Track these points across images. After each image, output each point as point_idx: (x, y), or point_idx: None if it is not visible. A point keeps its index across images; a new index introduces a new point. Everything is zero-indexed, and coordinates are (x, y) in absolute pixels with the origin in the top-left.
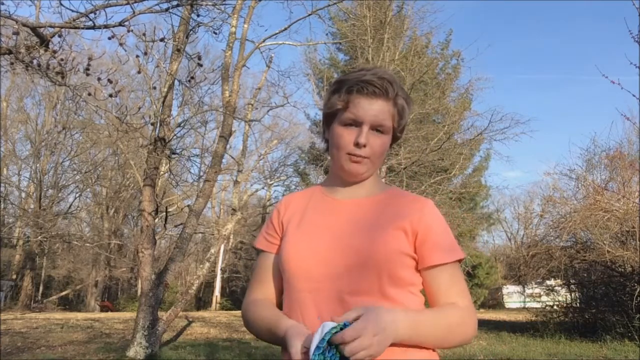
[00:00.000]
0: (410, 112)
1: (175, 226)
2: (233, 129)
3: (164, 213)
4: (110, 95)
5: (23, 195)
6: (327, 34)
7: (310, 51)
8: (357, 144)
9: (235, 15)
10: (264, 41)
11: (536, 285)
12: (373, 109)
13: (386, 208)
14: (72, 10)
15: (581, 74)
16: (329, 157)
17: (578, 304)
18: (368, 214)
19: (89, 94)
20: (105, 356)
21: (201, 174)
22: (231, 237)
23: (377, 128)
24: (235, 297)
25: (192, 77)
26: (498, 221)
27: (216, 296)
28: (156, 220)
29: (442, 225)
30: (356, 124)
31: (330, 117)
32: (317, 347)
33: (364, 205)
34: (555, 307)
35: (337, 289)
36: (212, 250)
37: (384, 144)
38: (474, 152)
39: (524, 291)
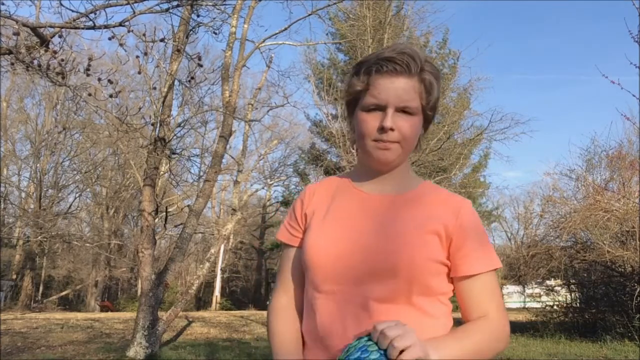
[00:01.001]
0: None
1: (175, 226)
2: (233, 129)
3: (164, 213)
4: (111, 96)
5: (23, 195)
6: (327, 34)
7: (310, 52)
8: (382, 128)
9: (235, 16)
10: (264, 41)
11: (536, 285)
12: (395, 88)
13: (419, 207)
14: (72, 11)
15: (581, 74)
16: (356, 149)
17: (578, 304)
18: (400, 213)
19: (89, 94)
20: (105, 356)
21: (201, 174)
22: (231, 237)
23: (403, 109)
24: (235, 297)
25: (192, 77)
26: (498, 219)
27: (216, 296)
28: (156, 220)
29: (479, 229)
30: (380, 107)
31: (352, 106)
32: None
33: (395, 202)
34: (555, 307)
35: (363, 294)
36: (212, 250)
37: (413, 125)
38: (472, 149)
39: (524, 291)
